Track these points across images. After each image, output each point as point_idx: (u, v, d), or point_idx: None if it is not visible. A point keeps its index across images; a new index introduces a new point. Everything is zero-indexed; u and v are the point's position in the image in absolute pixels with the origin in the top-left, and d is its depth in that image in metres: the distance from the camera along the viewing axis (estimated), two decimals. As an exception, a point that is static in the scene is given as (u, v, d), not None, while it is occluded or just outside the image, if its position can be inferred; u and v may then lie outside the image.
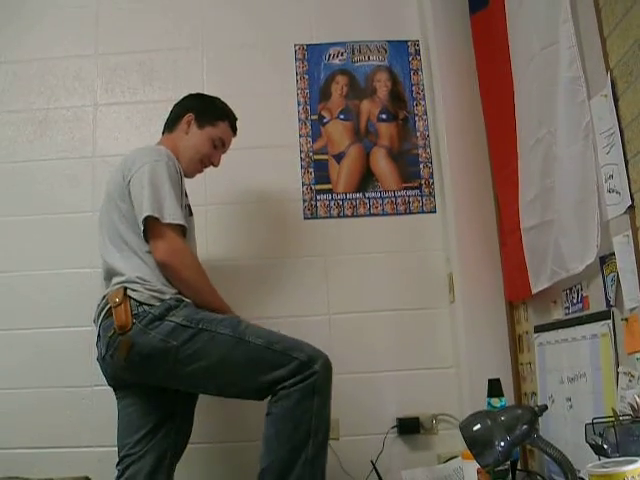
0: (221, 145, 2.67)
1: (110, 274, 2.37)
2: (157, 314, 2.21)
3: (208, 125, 2.62)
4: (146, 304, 2.22)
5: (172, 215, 2.30)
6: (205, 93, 2.76)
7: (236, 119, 2.72)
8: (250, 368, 2.21)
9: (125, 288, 2.26)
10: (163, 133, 2.69)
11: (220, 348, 2.20)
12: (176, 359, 2.20)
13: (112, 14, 3.34)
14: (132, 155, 2.45)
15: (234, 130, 2.71)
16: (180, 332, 2.19)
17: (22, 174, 3.17)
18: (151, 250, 2.30)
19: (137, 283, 2.26)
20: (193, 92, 2.75)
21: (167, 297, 2.25)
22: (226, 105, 2.70)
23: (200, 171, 2.69)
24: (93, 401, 2.93)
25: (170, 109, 2.72)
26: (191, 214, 2.55)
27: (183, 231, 2.36)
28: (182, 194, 2.43)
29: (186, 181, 2.55)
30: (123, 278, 2.29)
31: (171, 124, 2.66)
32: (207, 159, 2.65)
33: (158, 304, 2.23)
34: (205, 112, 2.64)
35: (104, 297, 2.33)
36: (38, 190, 3.15)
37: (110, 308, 2.26)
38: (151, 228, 2.29)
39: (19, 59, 3.30)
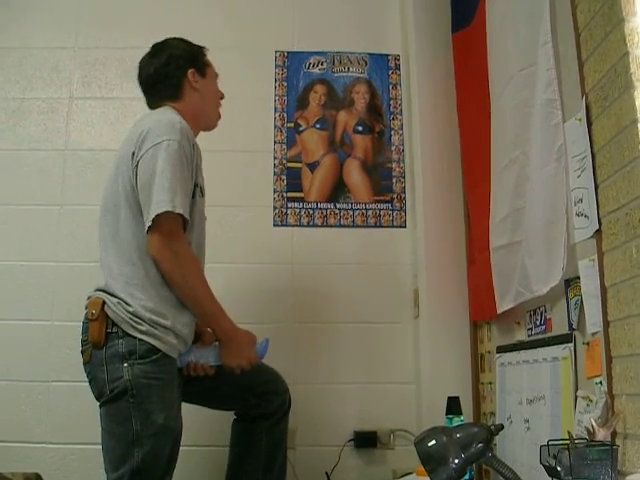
0: (217, 77, 2.54)
1: (102, 266, 2.21)
2: (121, 352, 2.07)
3: (206, 68, 2.46)
4: (119, 327, 2.08)
5: (183, 207, 2.10)
6: (166, 40, 2.46)
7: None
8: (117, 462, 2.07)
9: (104, 302, 2.11)
10: (157, 105, 2.38)
11: (127, 432, 2.05)
12: (101, 403, 2.11)
13: (94, 8, 3.32)
14: (145, 127, 2.19)
15: None
16: (120, 388, 2.05)
17: (-8, 163, 3.13)
18: (148, 241, 2.11)
19: (116, 298, 2.11)
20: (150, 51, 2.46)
21: (143, 328, 2.08)
22: (189, 41, 2.47)
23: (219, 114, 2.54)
24: (49, 397, 2.89)
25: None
26: (203, 195, 2.35)
27: (184, 225, 2.16)
28: (194, 171, 2.22)
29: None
30: (106, 287, 2.15)
31: (174, 92, 2.37)
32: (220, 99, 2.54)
33: (130, 333, 2.07)
34: (196, 60, 2.44)
35: (89, 297, 2.18)
36: (7, 180, 3.12)
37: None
38: (155, 219, 2.08)
39: (-3, 46, 3.26)
